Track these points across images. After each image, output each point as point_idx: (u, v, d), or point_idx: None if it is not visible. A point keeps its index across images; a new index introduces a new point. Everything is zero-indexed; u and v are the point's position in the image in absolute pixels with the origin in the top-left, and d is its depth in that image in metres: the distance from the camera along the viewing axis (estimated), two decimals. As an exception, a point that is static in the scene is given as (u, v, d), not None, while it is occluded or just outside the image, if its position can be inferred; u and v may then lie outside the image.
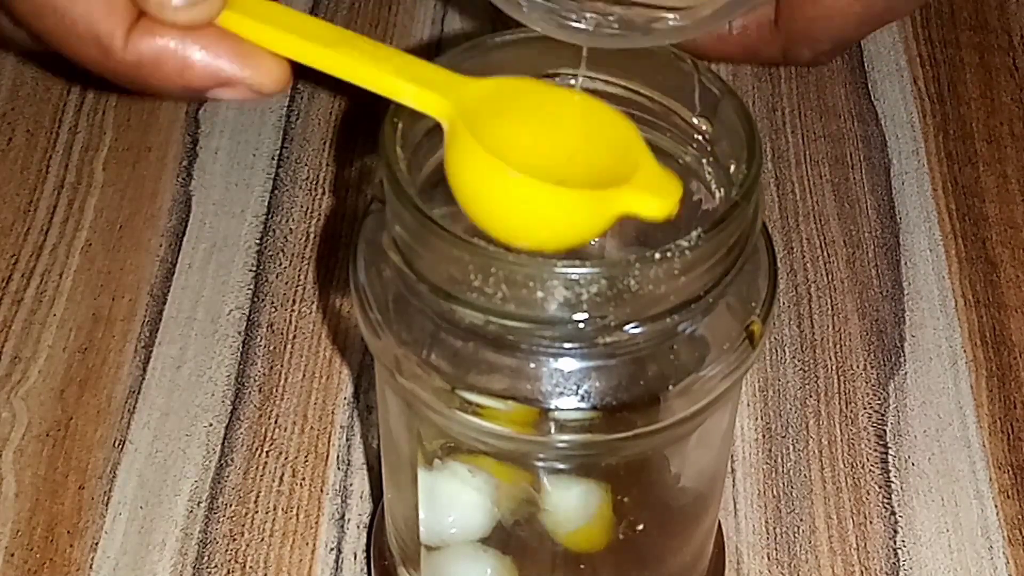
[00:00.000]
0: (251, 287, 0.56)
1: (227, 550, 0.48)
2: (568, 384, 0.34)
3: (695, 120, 0.36)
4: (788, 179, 0.60)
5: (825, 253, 0.58)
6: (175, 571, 0.48)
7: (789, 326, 0.55)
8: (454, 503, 0.39)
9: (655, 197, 0.33)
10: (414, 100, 0.34)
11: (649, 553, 0.41)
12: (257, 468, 0.50)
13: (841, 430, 0.52)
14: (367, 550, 0.48)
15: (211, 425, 0.52)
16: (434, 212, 0.33)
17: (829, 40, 0.51)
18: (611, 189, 0.33)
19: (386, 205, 0.34)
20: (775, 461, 0.51)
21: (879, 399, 0.53)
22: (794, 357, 0.54)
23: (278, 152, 0.61)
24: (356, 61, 0.34)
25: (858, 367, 0.54)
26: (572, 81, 0.36)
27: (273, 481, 0.50)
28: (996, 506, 0.50)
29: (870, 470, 0.51)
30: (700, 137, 0.36)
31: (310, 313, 0.55)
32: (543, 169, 0.34)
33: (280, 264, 0.57)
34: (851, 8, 0.49)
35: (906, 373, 0.54)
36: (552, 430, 0.34)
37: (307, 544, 0.49)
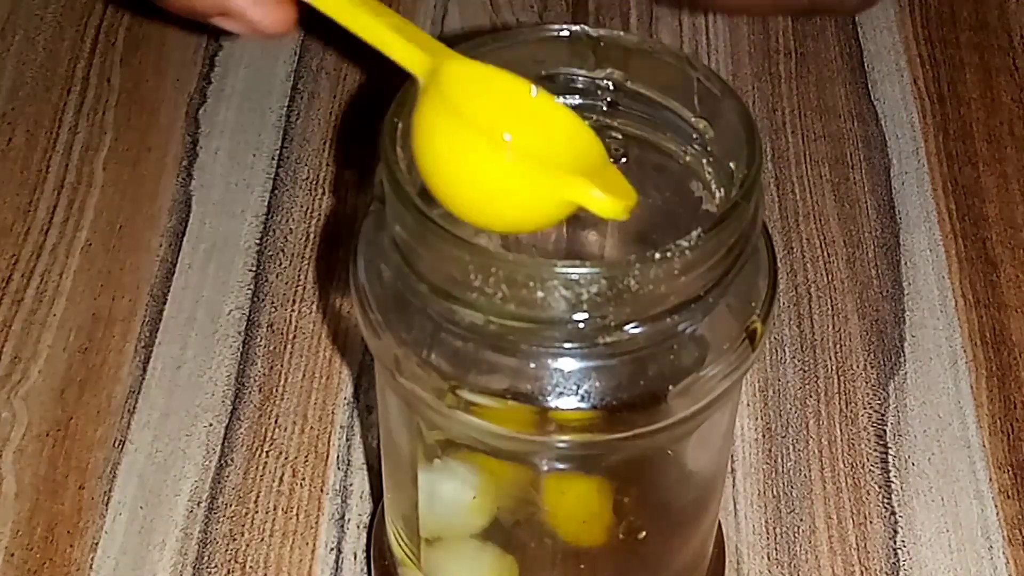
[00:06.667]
0: (251, 287, 0.56)
1: (227, 550, 0.48)
2: (568, 384, 0.34)
3: (695, 120, 0.36)
4: (788, 179, 0.60)
5: (825, 253, 0.58)
6: (175, 571, 0.48)
7: (789, 326, 0.55)
8: (454, 502, 0.39)
9: (608, 195, 0.33)
10: (399, 54, 0.34)
11: (649, 553, 0.41)
12: (257, 468, 0.50)
13: (841, 430, 0.52)
14: (367, 550, 0.48)
15: (211, 425, 0.52)
16: (434, 212, 0.33)
17: None
18: (564, 176, 0.33)
19: (386, 205, 0.34)
20: (775, 461, 0.51)
21: (879, 399, 0.53)
22: (794, 357, 0.54)
23: (278, 152, 0.61)
24: (352, 5, 0.34)
25: (858, 367, 0.54)
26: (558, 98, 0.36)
27: (273, 481, 0.50)
28: (996, 506, 0.50)
29: (870, 470, 0.51)
30: (700, 137, 0.36)
31: (310, 313, 0.55)
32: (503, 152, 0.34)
33: (280, 264, 0.57)
34: None
35: (906, 373, 0.54)
36: (552, 430, 0.34)
37: (307, 544, 0.49)
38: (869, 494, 0.50)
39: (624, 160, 0.38)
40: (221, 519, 0.49)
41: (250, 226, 0.58)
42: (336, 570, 0.48)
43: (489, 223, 0.35)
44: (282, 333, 0.54)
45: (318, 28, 0.66)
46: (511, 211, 0.34)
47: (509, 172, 0.33)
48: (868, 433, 0.52)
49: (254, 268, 0.57)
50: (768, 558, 0.48)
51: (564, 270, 0.32)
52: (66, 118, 0.62)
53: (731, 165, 0.35)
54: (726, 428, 0.40)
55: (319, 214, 0.59)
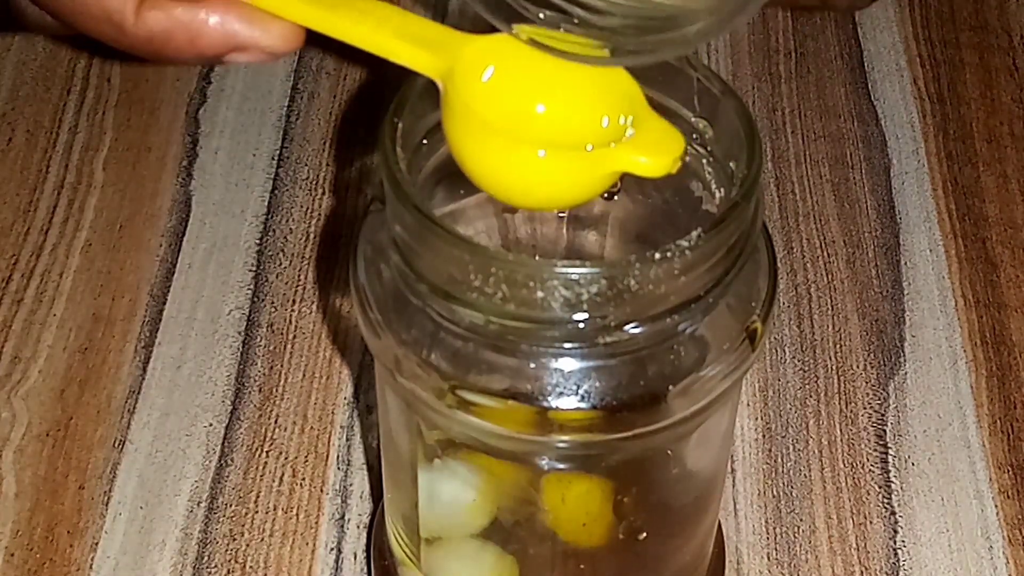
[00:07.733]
0: (251, 287, 0.56)
1: (227, 550, 0.48)
2: (568, 384, 0.34)
3: (695, 120, 0.36)
4: (788, 179, 0.60)
5: (825, 253, 0.58)
6: (175, 571, 0.48)
7: (789, 326, 0.55)
8: (454, 502, 0.39)
9: (651, 155, 0.33)
10: (409, 61, 0.34)
11: (649, 553, 0.41)
12: (257, 468, 0.50)
13: (841, 430, 0.52)
14: (367, 550, 0.48)
15: (211, 425, 0.52)
16: (434, 212, 0.33)
17: None
18: (603, 149, 0.33)
19: (386, 205, 0.34)
20: (775, 461, 0.51)
21: (879, 399, 0.53)
22: (794, 357, 0.54)
23: (278, 152, 0.61)
24: (353, 23, 0.34)
25: (858, 367, 0.54)
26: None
27: (273, 481, 0.50)
28: (996, 506, 0.50)
29: (870, 470, 0.51)
30: (700, 137, 0.36)
31: (310, 313, 0.55)
32: (539, 127, 0.34)
33: (280, 264, 0.57)
34: None
35: (906, 373, 0.54)
36: (552, 430, 0.34)
37: (307, 544, 0.49)
38: (869, 494, 0.50)
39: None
40: (221, 519, 0.49)
41: (250, 226, 0.58)
42: (336, 570, 0.48)
43: (539, 206, 0.35)
44: (282, 333, 0.54)
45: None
46: (557, 194, 0.34)
47: (546, 166, 0.33)
48: (868, 433, 0.52)
49: (254, 268, 0.57)
50: (768, 558, 0.48)
51: (564, 270, 0.32)
52: (66, 118, 0.62)
53: (731, 165, 0.35)
54: (726, 428, 0.40)
55: (319, 214, 0.59)
